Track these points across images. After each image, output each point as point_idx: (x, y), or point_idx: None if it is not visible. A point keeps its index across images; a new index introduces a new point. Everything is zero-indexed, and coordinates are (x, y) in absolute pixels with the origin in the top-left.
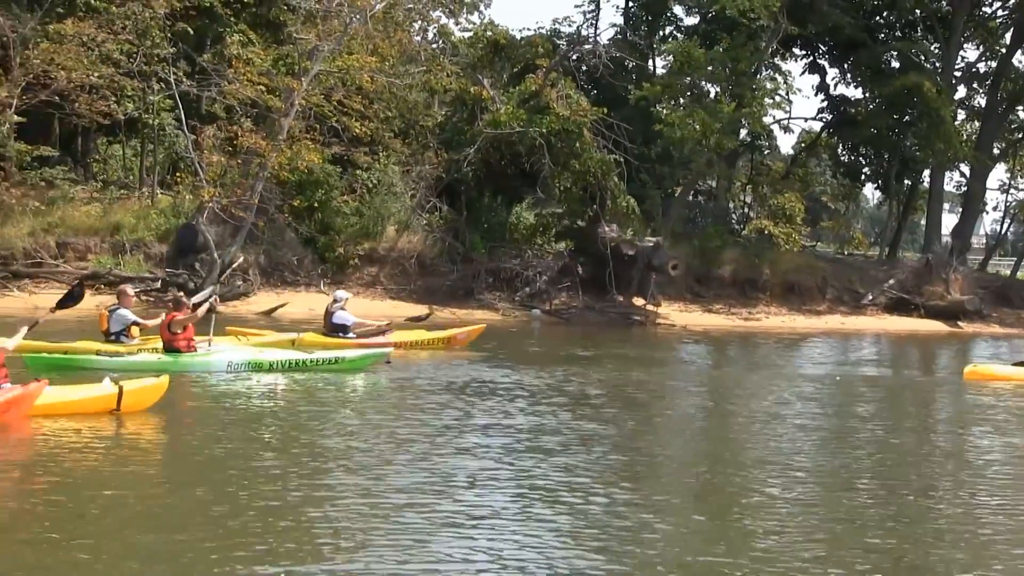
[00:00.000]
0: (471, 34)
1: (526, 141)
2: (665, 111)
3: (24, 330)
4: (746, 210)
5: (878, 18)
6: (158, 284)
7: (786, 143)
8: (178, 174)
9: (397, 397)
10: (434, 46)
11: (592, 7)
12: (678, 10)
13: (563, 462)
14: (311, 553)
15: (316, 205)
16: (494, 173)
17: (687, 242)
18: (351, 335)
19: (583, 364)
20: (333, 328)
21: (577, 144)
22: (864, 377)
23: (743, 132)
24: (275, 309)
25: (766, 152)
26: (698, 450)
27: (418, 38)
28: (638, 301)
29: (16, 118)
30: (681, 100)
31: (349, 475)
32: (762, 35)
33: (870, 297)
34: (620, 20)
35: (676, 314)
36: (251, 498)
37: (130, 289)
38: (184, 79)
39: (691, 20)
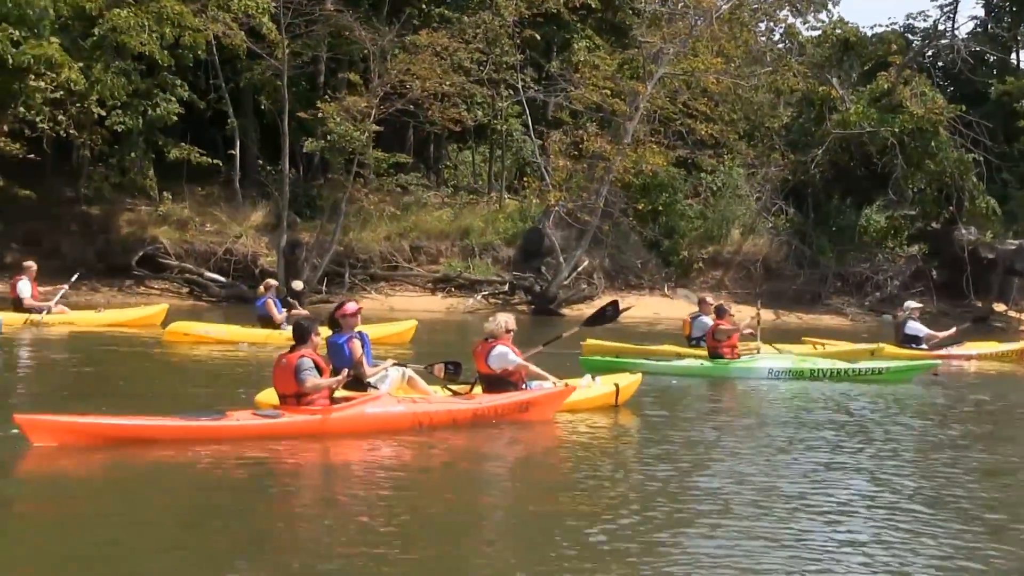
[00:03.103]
0: (819, 32)
1: (877, 141)
2: None
3: (539, 348)
4: None
5: None
6: (506, 287)
7: None
8: (525, 179)
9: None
10: (780, 46)
11: (950, 0)
12: None
13: (942, 471)
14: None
15: (660, 208)
16: (843, 174)
17: None
18: (923, 346)
19: (944, 372)
20: (905, 339)
21: (932, 143)
22: None
23: None
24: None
25: None
26: None
27: (764, 38)
28: (999, 307)
29: (374, 127)
30: None
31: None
32: None
33: None
34: (980, 12)
35: None
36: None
37: (710, 298)
38: (531, 85)
39: None
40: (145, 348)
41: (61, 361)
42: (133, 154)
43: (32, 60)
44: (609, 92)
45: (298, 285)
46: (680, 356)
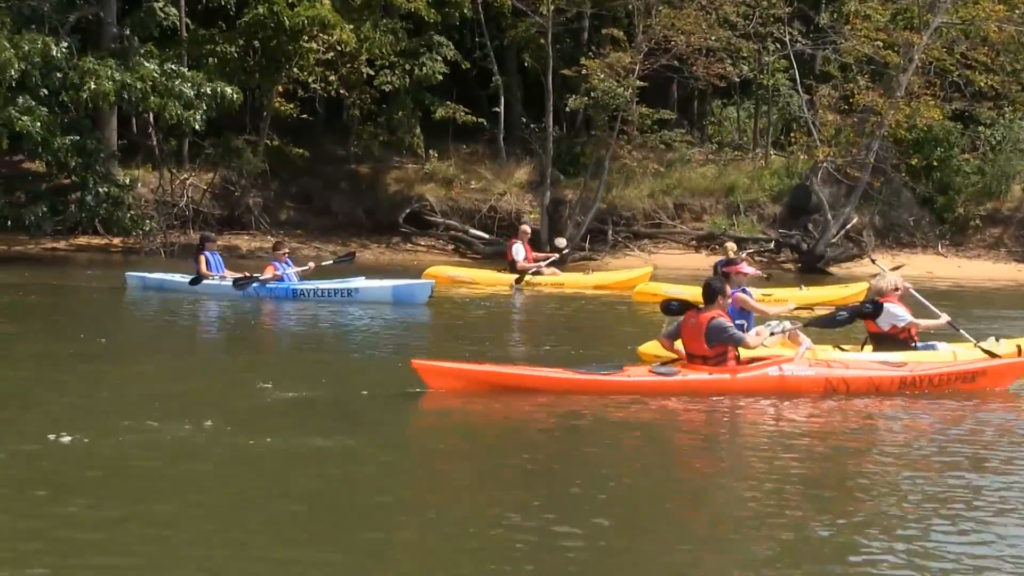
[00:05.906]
0: None
1: None
2: None
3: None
4: None
5: None
6: (771, 245)
7: None
8: (792, 134)
9: None
10: None
11: None
12: None
13: None
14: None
15: (935, 163)
16: None
17: None
18: None
19: None
20: None
21: None
22: None
23: None
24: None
25: None
26: None
27: None
28: None
29: (638, 83)
30: None
31: None
32: None
33: None
34: None
35: None
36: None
37: None
38: (800, 38)
39: None
40: (612, 309)
41: (526, 318)
42: (401, 113)
43: (306, 22)
44: (881, 44)
45: (561, 243)
46: None
